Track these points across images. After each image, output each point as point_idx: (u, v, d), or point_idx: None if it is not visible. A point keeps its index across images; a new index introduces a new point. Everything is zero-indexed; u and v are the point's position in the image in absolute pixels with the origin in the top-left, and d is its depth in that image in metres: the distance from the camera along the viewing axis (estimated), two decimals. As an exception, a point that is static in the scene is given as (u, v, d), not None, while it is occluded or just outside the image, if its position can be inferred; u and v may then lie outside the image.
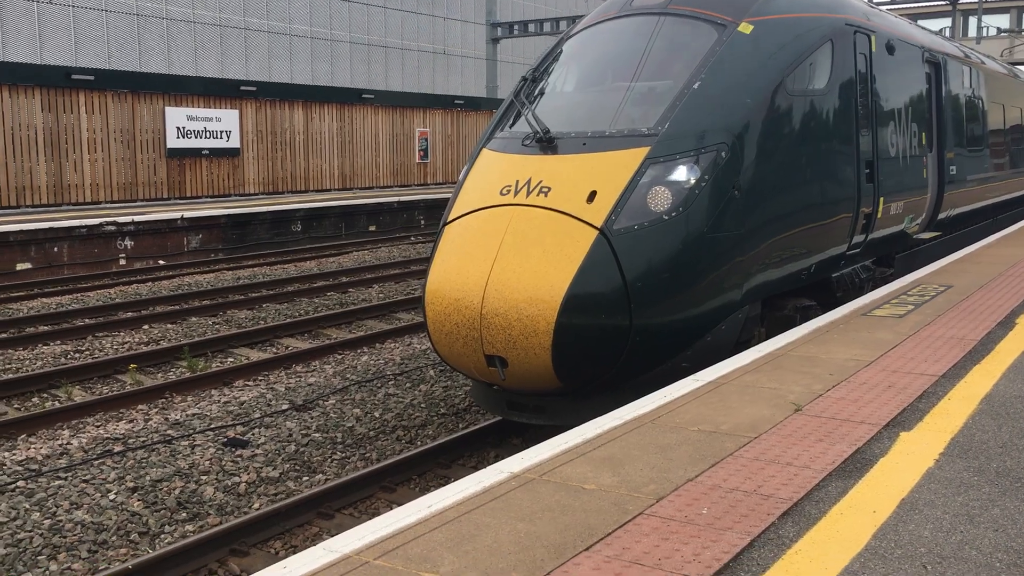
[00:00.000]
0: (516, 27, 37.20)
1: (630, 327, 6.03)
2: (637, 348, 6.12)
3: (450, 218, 6.80)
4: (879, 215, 8.89)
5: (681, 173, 6.34)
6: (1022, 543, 3.20)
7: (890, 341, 6.27)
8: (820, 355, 5.91)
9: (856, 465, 3.97)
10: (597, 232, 6.07)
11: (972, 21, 49.59)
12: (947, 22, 45.36)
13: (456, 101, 32.92)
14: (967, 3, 40.08)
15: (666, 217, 6.18)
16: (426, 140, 31.14)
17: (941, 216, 11.29)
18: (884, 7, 30.89)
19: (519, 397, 6.58)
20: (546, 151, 6.69)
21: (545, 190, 6.35)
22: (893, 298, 7.91)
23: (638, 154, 6.39)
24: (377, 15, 40.47)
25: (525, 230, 6.20)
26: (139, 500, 6.33)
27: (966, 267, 9.73)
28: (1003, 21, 52.63)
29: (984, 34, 43.32)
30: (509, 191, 6.50)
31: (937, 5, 40.32)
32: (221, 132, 24.22)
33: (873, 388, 5.13)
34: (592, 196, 6.22)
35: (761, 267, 6.89)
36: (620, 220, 6.11)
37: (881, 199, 8.88)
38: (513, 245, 6.16)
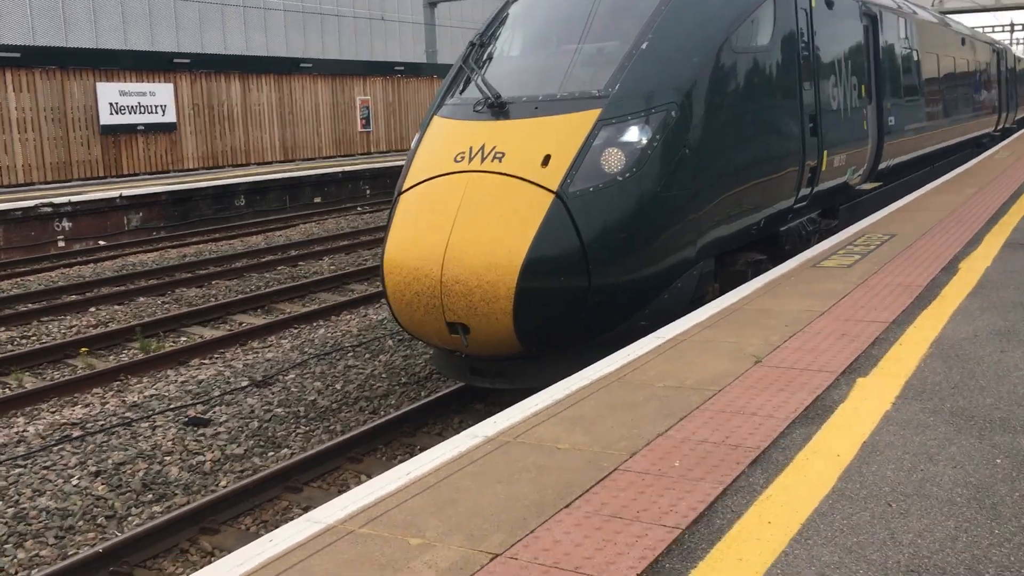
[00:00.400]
0: (453, -10, 36.75)
1: (589, 288, 6.11)
2: (596, 308, 6.20)
3: (404, 187, 6.78)
4: (823, 168, 9.07)
5: (633, 134, 6.40)
6: (979, 478, 3.36)
7: (840, 291, 6.44)
8: (775, 308, 6.06)
9: (817, 412, 4.10)
10: (553, 195, 6.11)
11: (902, -28, 50.31)
12: (878, -26, 45.95)
13: (396, 68, 32.52)
14: (897, -46, 40.67)
15: (620, 178, 6.25)
16: (368, 108, 30.77)
17: (881, 167, 11.55)
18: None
19: (481, 363, 6.63)
20: (498, 116, 6.69)
21: (499, 155, 6.37)
22: (840, 249, 8.10)
23: (590, 116, 6.43)
24: (310, -19, 39.66)
25: (481, 196, 6.22)
26: (103, 484, 6.27)
27: (908, 216, 9.99)
28: (932, -29, 53.42)
29: (914, -15, 43.99)
30: (463, 158, 6.50)
31: (868, -43, 40.87)
32: (156, 107, 23.66)
33: (828, 337, 5.28)
34: (546, 160, 6.26)
35: (713, 224, 7.00)
36: (575, 183, 6.16)
37: (825, 152, 9.05)
38: (470, 212, 6.18)
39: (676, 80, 6.69)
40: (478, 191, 6.25)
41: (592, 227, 6.10)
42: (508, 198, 6.16)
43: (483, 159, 6.40)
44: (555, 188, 6.13)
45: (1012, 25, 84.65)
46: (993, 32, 74.70)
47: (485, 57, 7.56)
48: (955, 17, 33.41)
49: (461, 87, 7.33)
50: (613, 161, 6.27)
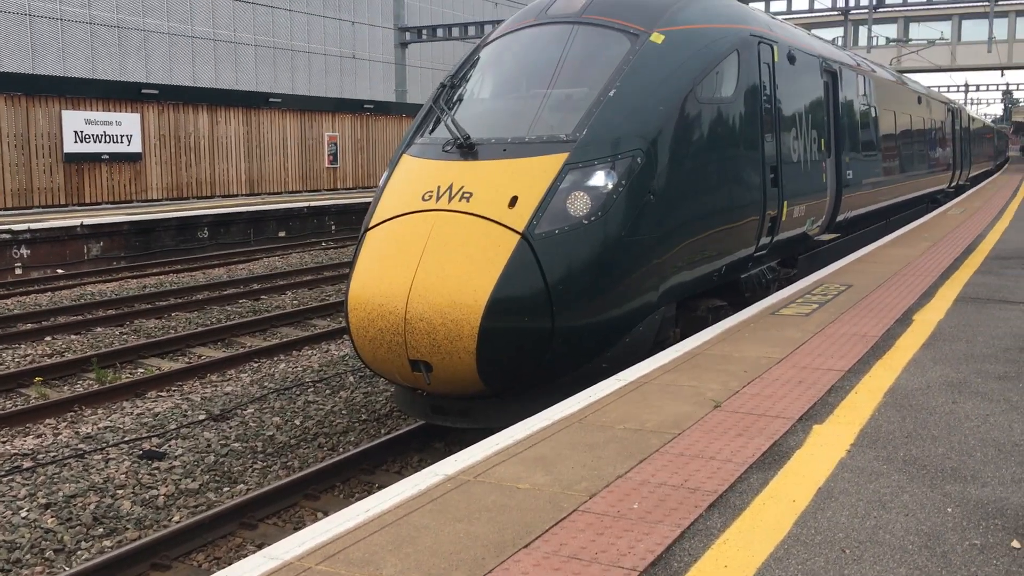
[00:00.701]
0: (424, 31, 37.18)
1: (552, 329, 6.15)
2: (560, 350, 6.24)
3: (371, 224, 6.80)
4: (783, 218, 9.25)
5: (599, 178, 6.50)
6: (931, 526, 3.42)
7: (798, 339, 6.55)
8: (734, 353, 6.14)
9: (774, 457, 4.16)
10: (519, 236, 6.17)
11: (863, 31, 51.77)
12: (839, 31, 47.25)
13: (366, 106, 32.68)
14: (858, 14, 41.87)
15: (585, 221, 6.32)
16: (335, 145, 30.83)
17: (839, 218, 11.79)
18: (780, 16, 32.02)
19: (443, 401, 6.62)
20: (467, 157, 6.75)
21: (467, 195, 6.43)
22: (798, 297, 8.25)
23: (557, 160, 6.52)
24: (282, 18, 39.86)
25: (448, 235, 6.26)
26: (53, 516, 6.14)
27: (864, 267, 10.20)
28: (891, 31, 55.11)
29: (874, 43, 45.29)
30: (431, 196, 6.55)
31: (830, 15, 42.00)
32: (122, 136, 23.51)
33: (785, 384, 5.37)
34: (513, 201, 6.33)
35: (676, 269, 7.10)
36: (541, 225, 6.23)
37: (785, 202, 9.24)
38: (436, 250, 6.21)
39: (642, 127, 6.82)
40: (445, 230, 6.30)
41: (557, 269, 6.17)
42: (474, 238, 6.21)
43: (451, 198, 6.46)
44: (521, 229, 6.19)
45: (967, 85, 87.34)
46: (949, 92, 76.92)
47: (455, 98, 7.65)
48: (912, 76, 34.44)
49: (431, 127, 7.40)
50: (579, 204, 6.35)
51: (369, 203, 7.21)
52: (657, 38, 7.37)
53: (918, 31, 54.70)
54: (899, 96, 16.80)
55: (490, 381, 6.18)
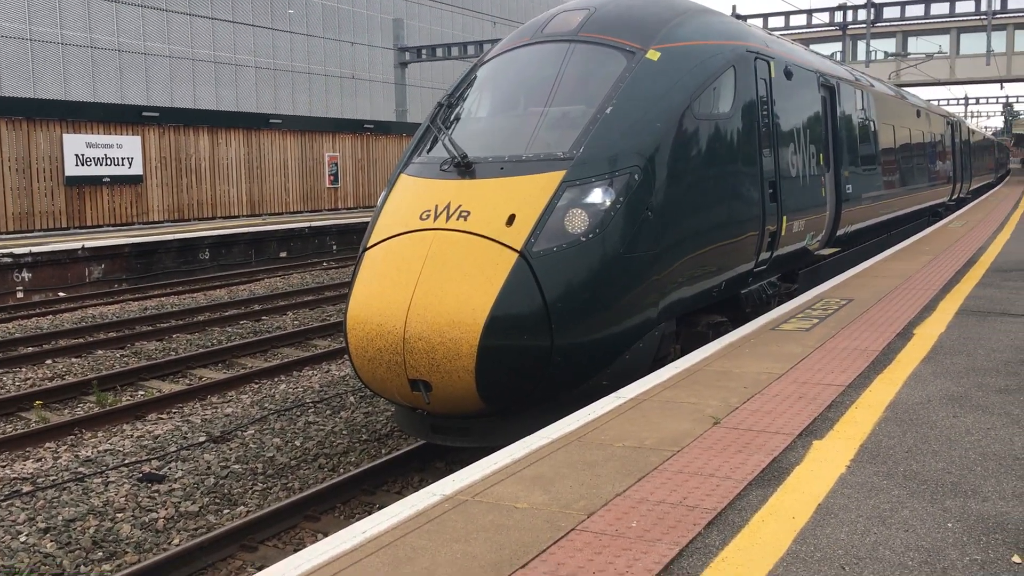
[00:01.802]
0: (424, 51, 37.34)
1: (551, 347, 6.14)
2: (559, 367, 6.23)
3: (370, 243, 6.81)
4: (783, 233, 9.24)
5: (597, 196, 6.50)
6: (931, 542, 3.40)
7: (798, 354, 6.53)
8: (734, 369, 6.13)
9: (774, 474, 4.14)
10: (517, 255, 6.16)
11: (861, 45, 51.97)
12: (838, 46, 47.43)
13: (366, 126, 32.82)
14: (856, 29, 42.05)
15: (583, 239, 6.33)
16: (336, 165, 30.93)
17: (839, 233, 11.78)
18: (778, 32, 32.17)
19: (443, 420, 6.60)
20: (464, 176, 6.76)
21: (464, 214, 6.43)
22: (799, 312, 8.23)
23: (555, 177, 6.53)
24: (282, 40, 40.10)
25: (446, 254, 6.26)
26: (52, 541, 6.12)
27: (865, 281, 10.19)
28: (890, 45, 55.31)
29: (872, 58, 45.44)
30: (429, 215, 6.55)
31: (828, 30, 42.17)
32: (123, 159, 23.61)
33: (785, 399, 5.35)
34: (511, 219, 6.32)
35: (675, 285, 7.09)
36: (539, 242, 6.23)
37: (784, 217, 9.23)
38: (434, 269, 6.21)
39: (639, 144, 6.83)
40: (443, 249, 6.30)
41: (555, 286, 6.16)
42: (473, 256, 6.21)
43: (448, 217, 6.46)
44: (519, 247, 6.19)
45: (966, 98, 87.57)
46: (948, 105, 77.12)
47: (453, 117, 7.67)
48: (911, 90, 34.53)
49: (428, 146, 7.42)
50: (577, 222, 6.35)
51: (368, 222, 7.21)
52: (653, 55, 7.39)
53: (916, 45, 54.88)
54: (898, 110, 16.83)
55: (490, 400, 6.16)
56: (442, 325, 5.99)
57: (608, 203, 6.48)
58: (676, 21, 7.89)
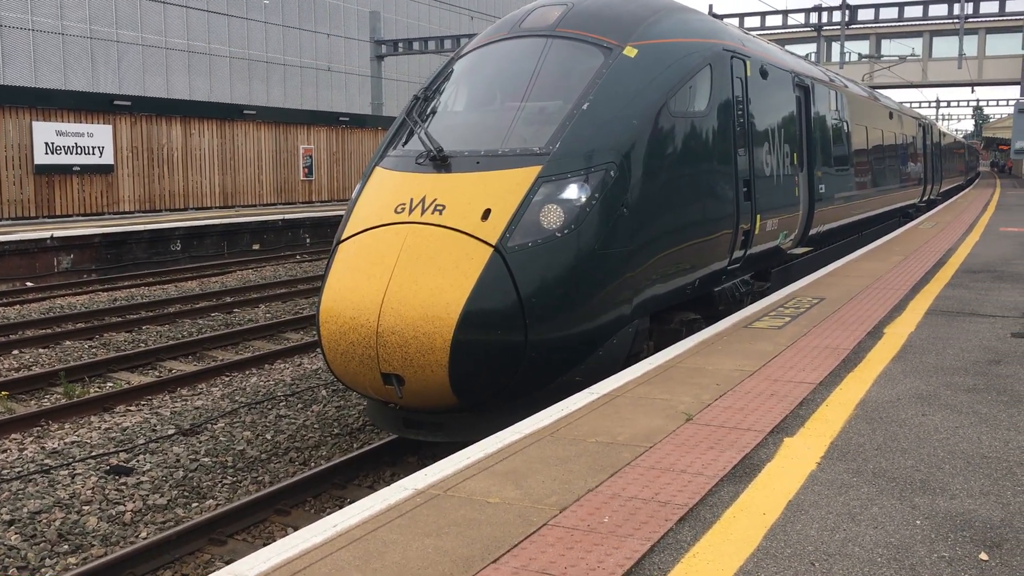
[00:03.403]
0: (401, 45, 37.18)
1: (525, 343, 6.12)
2: (532, 363, 6.21)
3: (344, 236, 6.76)
4: (756, 231, 9.29)
5: (572, 191, 6.50)
6: (900, 539, 3.43)
7: (770, 352, 6.57)
8: (707, 366, 6.15)
9: (745, 470, 4.15)
10: (492, 249, 6.14)
11: (835, 47, 52.40)
12: (813, 47, 47.80)
13: (341, 118, 32.62)
14: (831, 30, 42.39)
15: (558, 234, 6.32)
16: (311, 157, 30.72)
17: (812, 232, 11.87)
18: (754, 32, 32.34)
19: (415, 415, 6.57)
20: (440, 169, 6.73)
21: (440, 208, 6.40)
22: (771, 310, 8.28)
23: (531, 172, 6.51)
24: (257, 30, 39.75)
25: (420, 247, 6.23)
26: (16, 533, 6.03)
27: (836, 280, 10.27)
28: (864, 47, 55.83)
29: (847, 59, 45.83)
30: (404, 209, 6.52)
31: (803, 31, 42.49)
32: (93, 148, 23.29)
33: (757, 397, 5.37)
34: (486, 214, 6.30)
35: (649, 282, 7.10)
36: (514, 237, 6.21)
37: (758, 216, 9.28)
38: (409, 262, 6.17)
39: (616, 141, 6.82)
40: (417, 242, 6.26)
41: (530, 282, 6.14)
42: (447, 250, 6.18)
43: (423, 211, 6.42)
44: (494, 242, 6.17)
45: (938, 101, 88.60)
46: (920, 107, 77.97)
47: (429, 111, 7.63)
48: (884, 92, 34.89)
49: (404, 139, 7.37)
50: (552, 217, 6.35)
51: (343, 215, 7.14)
52: (630, 52, 7.39)
53: (890, 47, 55.45)
54: (871, 111, 16.97)
55: (463, 395, 6.14)
56: (415, 319, 5.96)
57: (583, 199, 6.48)
58: (653, 18, 7.89)
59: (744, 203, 8.81)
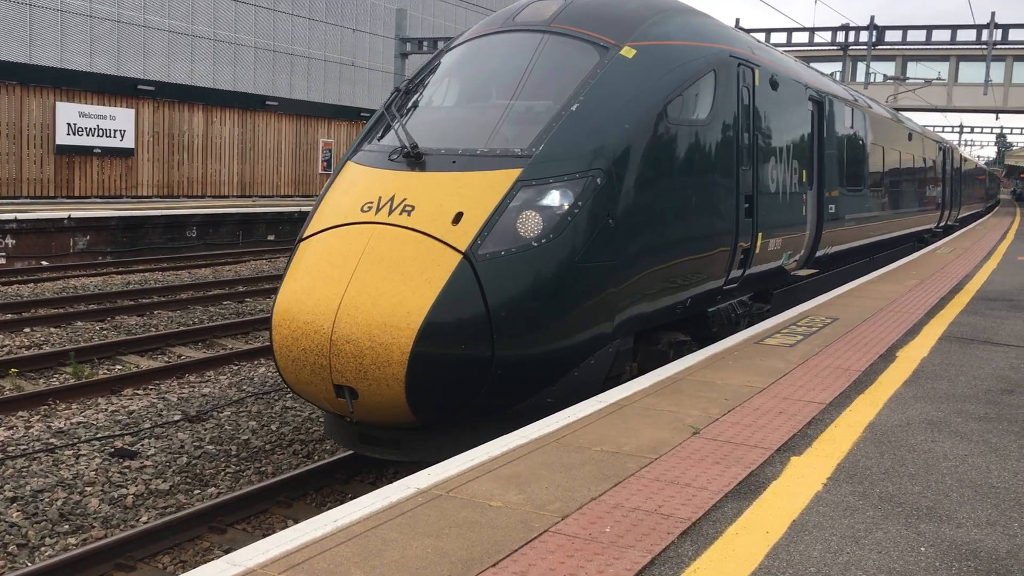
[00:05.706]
0: (425, 43, 37.23)
1: (492, 359, 5.64)
2: (499, 381, 5.73)
3: (306, 234, 6.30)
4: (757, 250, 8.81)
5: (554, 198, 6.05)
6: (903, 565, 3.39)
7: (781, 369, 6.52)
8: (716, 380, 6.11)
9: (750, 487, 4.12)
10: (461, 256, 5.68)
11: (861, 67, 52.23)
12: (838, 66, 47.63)
13: (362, 114, 32.71)
14: (857, 50, 42.26)
15: (535, 244, 5.87)
16: (330, 151, 30.81)
17: (819, 253, 11.40)
18: (780, 48, 32.25)
19: (374, 430, 6.08)
20: (413, 167, 6.28)
21: (409, 209, 5.95)
22: (784, 328, 8.23)
23: (509, 175, 6.06)
24: (284, 21, 39.90)
25: (384, 250, 5.77)
26: (18, 511, 6.05)
27: (850, 301, 10.21)
28: (889, 68, 55.60)
29: (872, 80, 45.67)
30: (371, 208, 6.06)
31: (829, 49, 42.35)
32: (115, 131, 23.44)
33: (766, 414, 5.34)
34: (458, 218, 5.85)
35: (635, 299, 6.63)
36: (486, 245, 5.76)
37: (760, 234, 8.81)
38: (370, 266, 5.71)
39: (605, 146, 6.36)
40: (382, 244, 5.81)
41: (500, 293, 5.67)
42: (413, 255, 5.71)
43: (391, 211, 5.97)
44: (464, 248, 5.71)
45: (961, 126, 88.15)
46: (944, 132, 77.60)
47: (410, 105, 7.19)
48: (907, 114, 34.73)
49: (380, 133, 6.93)
50: (530, 225, 5.90)
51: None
52: (628, 52, 6.95)
53: (916, 70, 55.18)
54: (888, 131, 16.55)
55: (420, 412, 5.66)
56: (372, 328, 5.48)
57: (565, 207, 6.02)
58: (656, 19, 7.46)
59: (745, 220, 8.34)
